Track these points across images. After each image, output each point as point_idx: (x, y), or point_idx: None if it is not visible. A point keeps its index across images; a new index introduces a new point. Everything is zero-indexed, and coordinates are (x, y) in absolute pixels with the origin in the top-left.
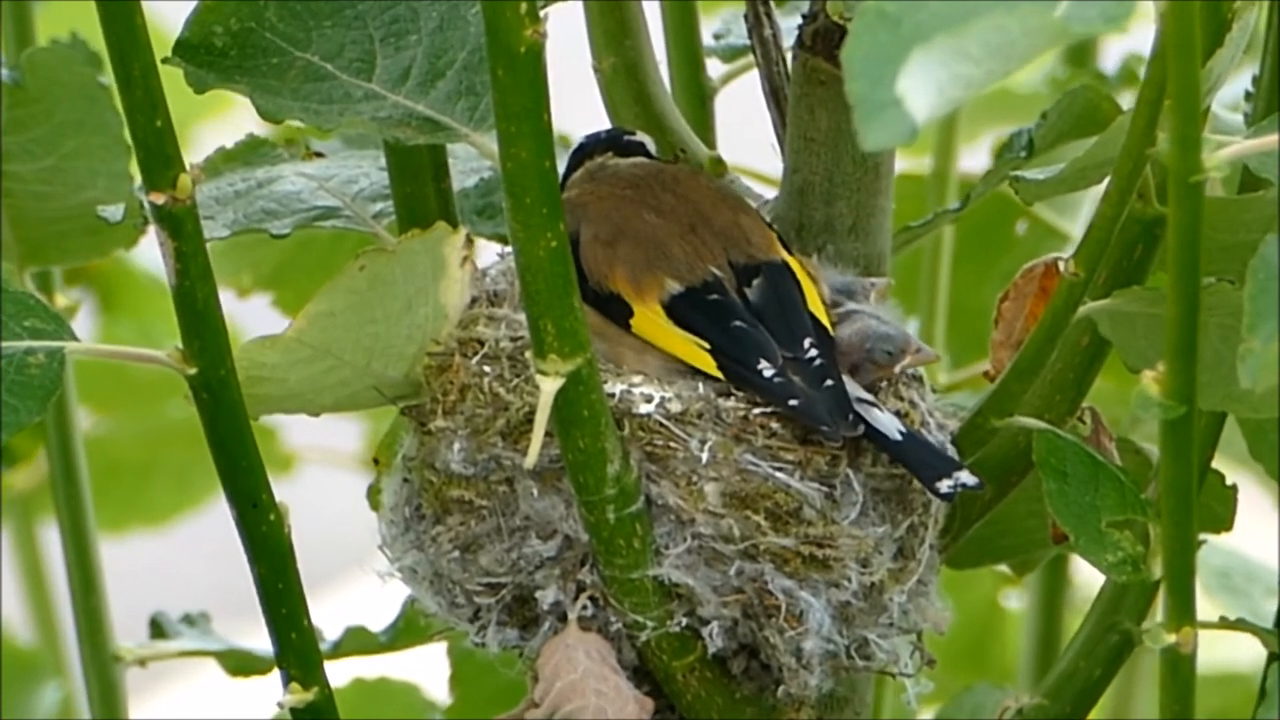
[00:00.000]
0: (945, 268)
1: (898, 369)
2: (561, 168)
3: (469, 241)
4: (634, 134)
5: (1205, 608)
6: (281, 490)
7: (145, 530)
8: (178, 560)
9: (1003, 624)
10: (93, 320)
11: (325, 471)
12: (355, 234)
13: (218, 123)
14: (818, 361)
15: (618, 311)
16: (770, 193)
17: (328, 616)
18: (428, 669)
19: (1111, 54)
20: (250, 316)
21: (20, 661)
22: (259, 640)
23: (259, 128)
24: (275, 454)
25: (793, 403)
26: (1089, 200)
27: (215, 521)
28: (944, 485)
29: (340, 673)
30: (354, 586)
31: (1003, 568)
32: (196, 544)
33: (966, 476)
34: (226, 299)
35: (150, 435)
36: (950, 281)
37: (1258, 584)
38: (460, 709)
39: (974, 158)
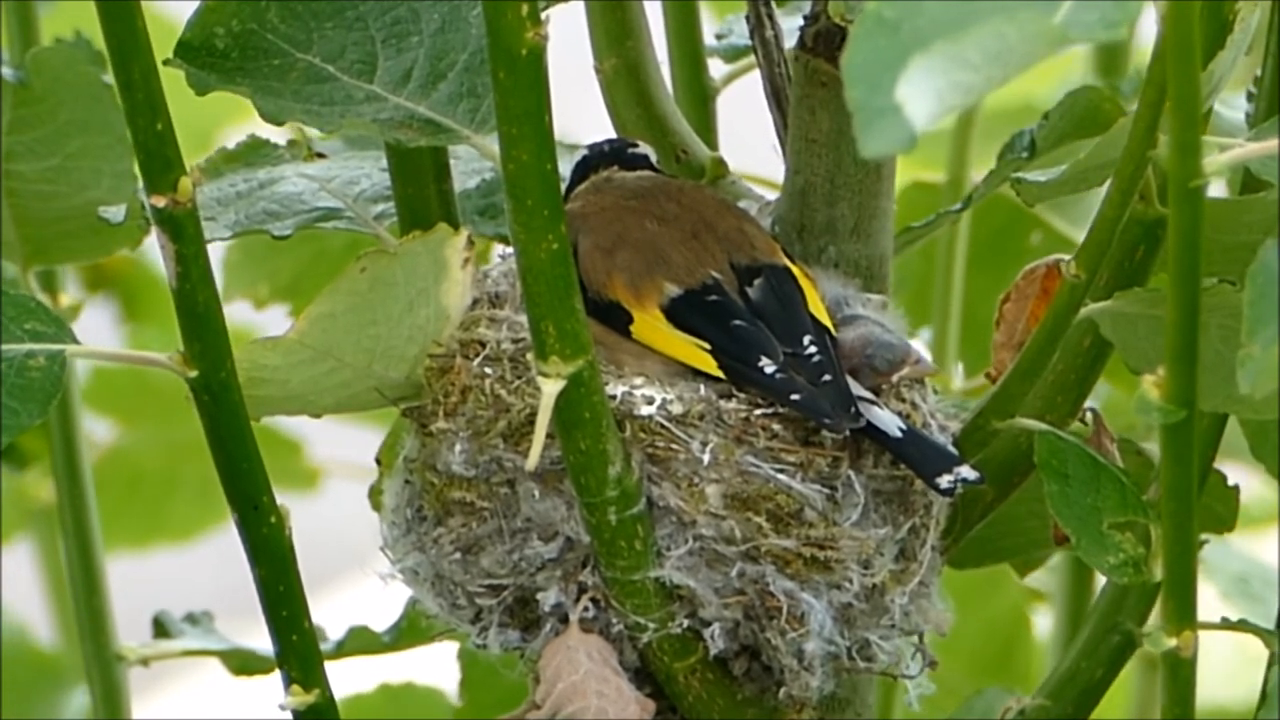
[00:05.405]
0: (958, 279)
1: (895, 378)
2: (564, 171)
3: (470, 243)
4: (637, 145)
5: (1222, 612)
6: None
7: (168, 546)
8: (181, 559)
9: (1028, 635)
10: (117, 327)
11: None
12: (369, 244)
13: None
14: (817, 358)
15: (617, 319)
16: (772, 194)
17: (331, 616)
18: (436, 669)
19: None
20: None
21: (43, 665)
22: (262, 639)
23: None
24: (299, 469)
25: (795, 397)
26: None
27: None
28: (945, 480)
29: (345, 673)
30: (359, 585)
31: (1029, 582)
32: (199, 543)
33: (967, 471)
34: (243, 308)
35: (174, 448)
36: (963, 292)
37: (1275, 590)
38: (470, 710)
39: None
